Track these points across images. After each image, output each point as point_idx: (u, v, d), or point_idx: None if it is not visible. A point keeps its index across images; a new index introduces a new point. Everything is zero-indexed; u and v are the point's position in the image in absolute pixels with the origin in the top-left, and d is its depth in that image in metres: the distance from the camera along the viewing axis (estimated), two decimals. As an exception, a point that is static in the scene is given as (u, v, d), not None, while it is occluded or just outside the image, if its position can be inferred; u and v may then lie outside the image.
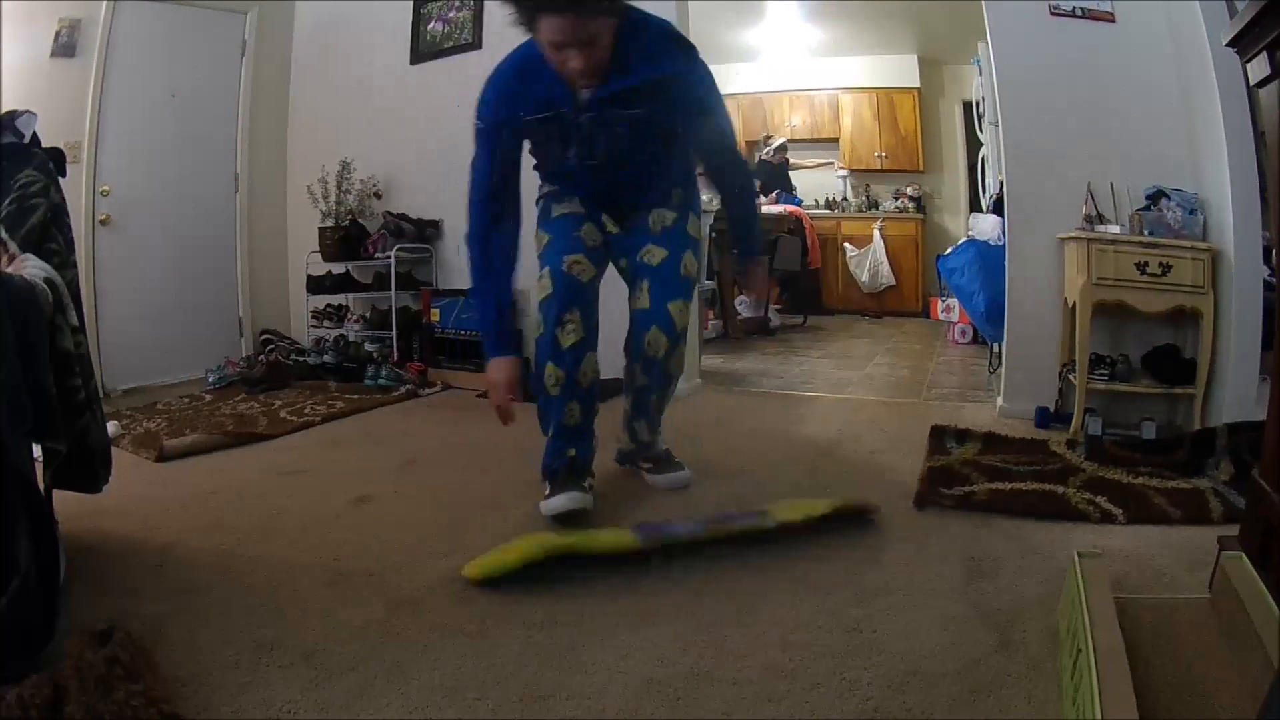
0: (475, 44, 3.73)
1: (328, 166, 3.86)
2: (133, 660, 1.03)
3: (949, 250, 4.03)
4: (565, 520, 1.71)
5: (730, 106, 2.37)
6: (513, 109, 1.69)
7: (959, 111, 6.59)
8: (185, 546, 1.65)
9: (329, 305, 4.09)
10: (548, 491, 1.79)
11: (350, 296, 4.10)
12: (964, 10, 4.22)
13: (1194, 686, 0.96)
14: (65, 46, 3.38)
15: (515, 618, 1.32)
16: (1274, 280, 2.37)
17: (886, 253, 6.55)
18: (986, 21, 2.70)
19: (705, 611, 1.34)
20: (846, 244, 6.60)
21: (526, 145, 1.80)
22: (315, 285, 3.98)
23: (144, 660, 1.06)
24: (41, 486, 1.33)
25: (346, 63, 4.12)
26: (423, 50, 3.89)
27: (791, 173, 6.59)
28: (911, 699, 1.07)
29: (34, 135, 1.68)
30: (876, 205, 6.88)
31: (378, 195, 4.02)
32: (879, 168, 6.83)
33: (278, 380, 3.51)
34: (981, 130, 4.60)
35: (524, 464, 2.28)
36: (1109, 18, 2.58)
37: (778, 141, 6.42)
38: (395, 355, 3.73)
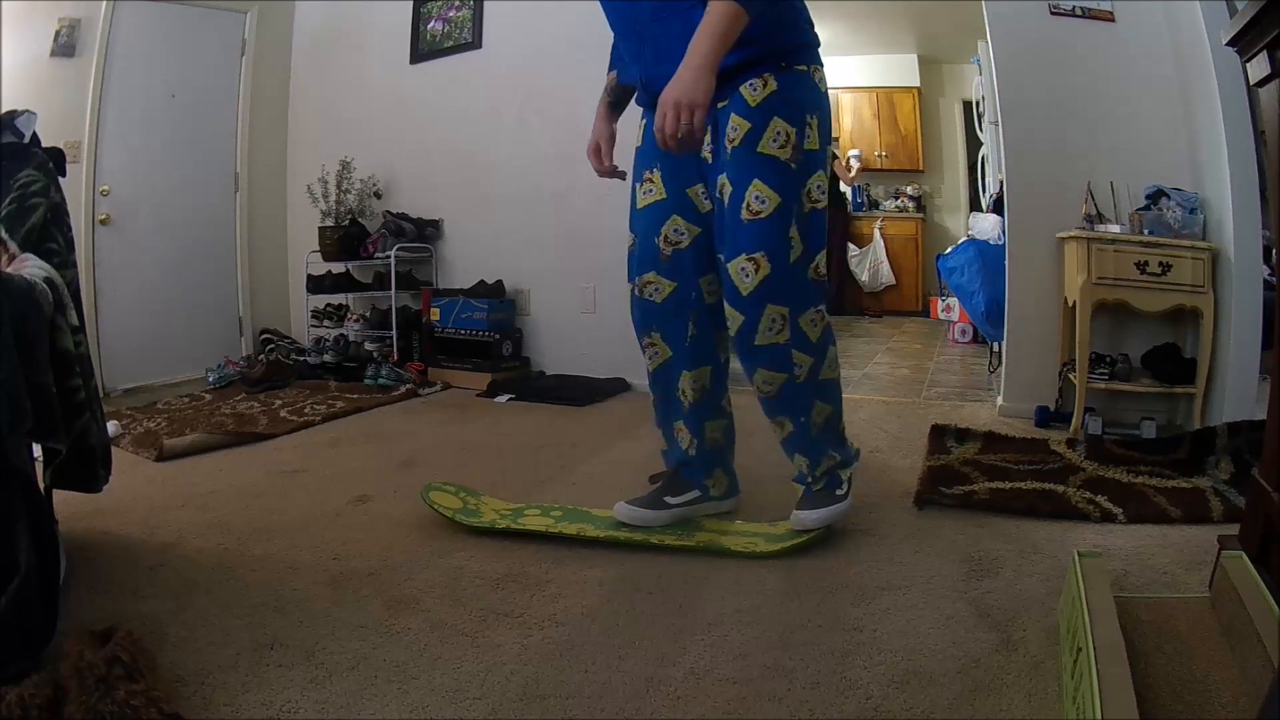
0: (475, 43, 3.74)
1: (328, 166, 3.86)
2: (133, 660, 1.03)
3: (949, 250, 4.03)
4: None
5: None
6: None
7: (959, 111, 6.59)
8: (185, 546, 1.65)
9: (329, 305, 4.09)
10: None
11: (350, 296, 4.10)
12: (964, 10, 4.22)
13: (1194, 686, 0.96)
14: (65, 46, 3.38)
15: (515, 617, 1.32)
16: (1274, 280, 2.37)
17: (886, 252, 6.55)
18: (986, 21, 2.70)
19: (705, 611, 1.34)
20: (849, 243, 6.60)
21: None
22: (315, 285, 3.98)
23: (144, 660, 1.06)
24: (41, 486, 1.32)
25: (346, 63, 4.12)
26: (422, 50, 3.90)
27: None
28: (912, 698, 1.07)
29: (34, 135, 1.67)
30: (877, 205, 6.88)
31: (378, 195, 4.03)
32: (879, 167, 6.83)
33: (278, 380, 3.51)
34: (981, 130, 4.60)
35: (523, 463, 2.28)
36: (1109, 17, 2.58)
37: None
38: (395, 355, 3.73)
